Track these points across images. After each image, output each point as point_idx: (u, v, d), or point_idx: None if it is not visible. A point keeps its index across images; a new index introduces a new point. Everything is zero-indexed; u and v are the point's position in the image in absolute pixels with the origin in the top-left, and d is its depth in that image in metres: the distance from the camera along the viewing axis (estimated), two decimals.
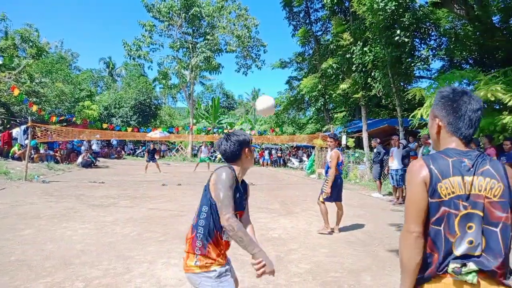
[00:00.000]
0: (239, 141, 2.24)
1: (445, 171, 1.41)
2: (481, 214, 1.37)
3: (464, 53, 14.07)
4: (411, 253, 1.43)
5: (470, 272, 1.34)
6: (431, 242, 1.42)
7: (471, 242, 1.37)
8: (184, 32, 28.82)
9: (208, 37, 27.61)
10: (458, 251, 1.37)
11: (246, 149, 2.25)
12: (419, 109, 9.59)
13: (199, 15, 27.12)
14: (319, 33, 23.20)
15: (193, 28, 28.61)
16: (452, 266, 1.36)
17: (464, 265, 1.35)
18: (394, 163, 9.76)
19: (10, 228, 5.44)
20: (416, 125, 10.46)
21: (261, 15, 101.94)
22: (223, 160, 2.30)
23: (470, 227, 1.37)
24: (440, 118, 1.54)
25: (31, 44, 19.97)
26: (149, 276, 3.75)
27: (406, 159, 10.08)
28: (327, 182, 5.85)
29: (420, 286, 1.45)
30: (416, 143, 11.64)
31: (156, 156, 16.96)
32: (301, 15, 23.17)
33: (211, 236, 2.08)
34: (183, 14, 27.12)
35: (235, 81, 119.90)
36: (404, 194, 9.69)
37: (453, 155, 1.45)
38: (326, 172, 6.01)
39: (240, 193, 2.19)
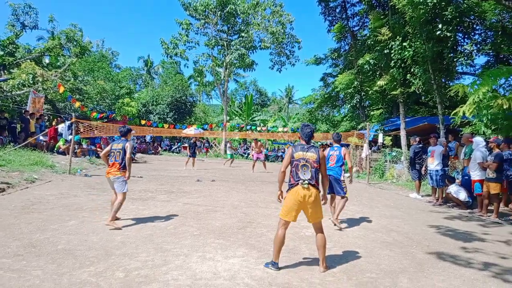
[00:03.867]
0: (129, 129, 6.05)
1: (297, 150, 4.02)
2: (309, 164, 3.92)
3: None
4: (281, 177, 4.07)
5: (306, 183, 3.83)
6: (291, 174, 3.99)
7: (305, 174, 3.89)
8: (219, 30, 29.16)
9: (243, 34, 27.76)
10: (301, 177, 3.87)
11: (129, 133, 6.06)
12: (462, 107, 9.16)
13: (234, 12, 27.31)
14: (356, 28, 22.72)
15: (228, 25, 28.87)
16: (300, 181, 3.86)
17: (304, 181, 3.85)
18: (434, 163, 9.39)
19: (57, 219, 5.75)
20: (458, 123, 9.98)
21: (296, 10, 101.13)
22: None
23: (305, 169, 3.91)
24: (300, 133, 4.19)
25: (75, 43, 20.86)
26: (185, 269, 3.84)
27: (446, 159, 9.67)
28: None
29: (290, 190, 3.94)
30: (457, 142, 11.14)
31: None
32: (337, 10, 22.83)
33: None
34: (219, 12, 27.42)
35: (269, 78, 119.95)
36: (444, 195, 9.31)
37: (301, 145, 4.08)
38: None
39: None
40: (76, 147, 15.55)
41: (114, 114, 26.83)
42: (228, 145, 21.64)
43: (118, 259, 4.08)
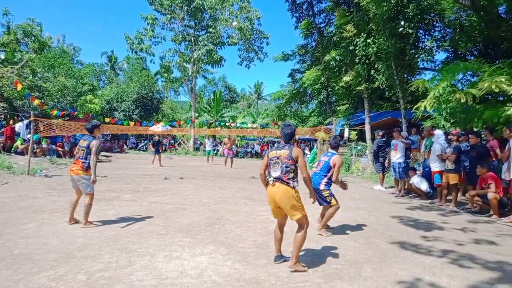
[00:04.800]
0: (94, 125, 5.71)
1: (272, 149, 3.99)
2: (279, 161, 3.81)
3: (469, 44, 13.90)
4: (262, 178, 4.06)
5: (271, 180, 3.81)
6: (266, 174, 3.98)
7: (276, 171, 3.82)
8: (186, 25, 28.68)
9: (210, 30, 27.46)
10: (272, 174, 3.85)
11: (97, 129, 5.72)
12: (423, 101, 9.51)
13: (201, 7, 26.94)
14: (322, 25, 23.02)
15: (195, 21, 28.45)
16: (269, 179, 3.88)
17: (270, 178, 3.84)
18: (396, 156, 9.71)
19: (14, 222, 5.46)
20: (419, 117, 10.36)
21: (264, 6, 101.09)
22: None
23: (276, 166, 3.83)
24: (280, 133, 4.03)
25: (33, 38, 19.86)
26: (151, 269, 3.75)
27: (408, 152, 10.03)
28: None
29: (267, 187, 3.92)
30: (419, 136, 11.57)
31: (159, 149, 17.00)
32: (304, 7, 23.00)
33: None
34: (185, 7, 26.96)
35: (238, 74, 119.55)
36: (406, 187, 9.66)
37: (279, 145, 4.01)
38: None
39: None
40: (36, 147, 14.85)
41: (76, 112, 25.86)
42: (209, 141, 21.10)
43: (80, 261, 3.93)
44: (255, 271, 3.77)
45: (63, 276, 3.51)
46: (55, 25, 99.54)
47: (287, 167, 3.77)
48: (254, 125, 31.26)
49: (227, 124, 32.05)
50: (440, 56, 38.19)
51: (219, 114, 37.98)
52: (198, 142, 31.39)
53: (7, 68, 18.82)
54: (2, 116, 18.91)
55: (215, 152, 25.40)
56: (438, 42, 13.84)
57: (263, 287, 3.39)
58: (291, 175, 3.78)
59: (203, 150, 29.82)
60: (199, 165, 18.06)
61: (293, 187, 3.78)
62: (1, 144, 14.66)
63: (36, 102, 17.23)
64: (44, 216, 5.93)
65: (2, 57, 21.72)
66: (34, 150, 14.10)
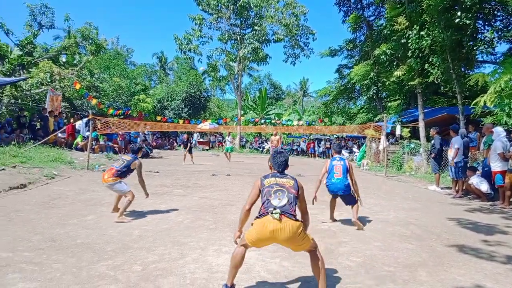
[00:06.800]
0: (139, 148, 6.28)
1: (268, 177, 3.25)
2: (285, 190, 3.09)
3: None
4: (243, 216, 3.19)
5: (277, 212, 2.89)
6: (262, 205, 3.06)
7: (280, 200, 3.00)
8: (232, 24, 29.06)
9: (256, 27, 27.59)
10: (274, 203, 2.98)
11: (140, 151, 6.25)
12: (482, 96, 8.88)
13: (247, 6, 27.15)
14: (372, 18, 22.25)
15: (241, 19, 28.72)
16: (270, 210, 2.94)
17: (275, 209, 2.94)
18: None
19: (76, 214, 5.86)
20: (479, 113, 9.71)
21: (309, 2, 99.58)
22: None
23: (280, 194, 3.05)
24: (271, 163, 3.42)
25: (90, 41, 21.16)
26: (201, 262, 3.86)
27: (466, 150, 9.44)
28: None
29: (256, 219, 2.99)
30: (478, 133, 10.87)
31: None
32: (352, 0, 22.35)
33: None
34: (231, 6, 27.31)
35: (283, 71, 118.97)
36: (464, 187, 9.10)
37: (274, 173, 3.31)
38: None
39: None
40: (94, 143, 15.81)
41: (130, 111, 27.17)
42: (229, 138, 21.32)
43: (136, 252, 4.13)
44: (303, 270, 3.74)
45: (120, 266, 3.70)
46: (109, 27, 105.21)
47: (295, 198, 3.11)
48: (300, 123, 30.99)
49: (272, 121, 32.08)
50: (502, 47, 35.30)
51: (265, 112, 38.12)
52: (244, 140, 31.75)
53: (68, 70, 20.22)
54: (64, 114, 20.34)
55: (261, 150, 25.59)
56: (500, 33, 12.84)
57: (312, 286, 3.35)
58: (296, 208, 3.11)
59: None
60: (245, 162, 18.26)
61: (301, 221, 3.06)
62: (64, 141, 15.78)
63: (94, 101, 18.36)
64: (102, 209, 6.30)
65: (64, 59, 23.39)
66: (93, 147, 15.04)
